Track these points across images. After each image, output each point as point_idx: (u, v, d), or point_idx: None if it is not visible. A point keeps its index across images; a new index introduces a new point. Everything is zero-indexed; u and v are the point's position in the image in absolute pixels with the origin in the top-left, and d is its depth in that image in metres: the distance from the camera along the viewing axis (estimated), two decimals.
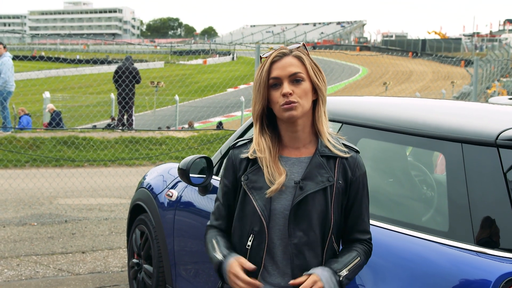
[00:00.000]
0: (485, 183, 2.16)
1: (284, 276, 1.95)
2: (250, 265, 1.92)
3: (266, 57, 1.97)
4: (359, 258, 1.97)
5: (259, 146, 1.97)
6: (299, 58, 1.95)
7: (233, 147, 2.07)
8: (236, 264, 1.91)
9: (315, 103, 1.98)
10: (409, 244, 2.27)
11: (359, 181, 1.99)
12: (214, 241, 2.02)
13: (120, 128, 12.84)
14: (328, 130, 2.00)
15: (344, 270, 1.92)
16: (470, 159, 2.22)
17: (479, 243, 2.09)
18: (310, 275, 1.88)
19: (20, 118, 14.53)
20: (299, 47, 1.98)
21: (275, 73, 1.92)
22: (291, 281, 1.90)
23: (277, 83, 1.92)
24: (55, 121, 13.82)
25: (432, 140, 2.39)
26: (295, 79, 1.92)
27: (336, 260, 1.95)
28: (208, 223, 2.11)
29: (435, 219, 2.38)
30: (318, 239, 1.94)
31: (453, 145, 2.29)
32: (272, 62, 1.94)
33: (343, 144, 2.00)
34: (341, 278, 1.90)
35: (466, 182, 2.19)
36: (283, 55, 1.94)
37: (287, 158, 1.98)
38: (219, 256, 1.97)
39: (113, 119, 16.99)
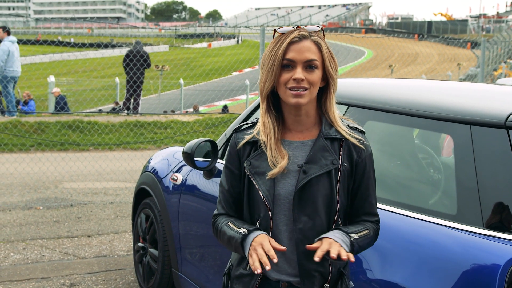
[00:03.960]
0: (494, 165, 2.13)
1: (291, 263, 1.90)
2: (278, 246, 1.79)
3: (281, 32, 1.88)
4: (367, 230, 1.91)
5: (264, 127, 1.91)
6: (317, 44, 1.87)
7: (235, 131, 2.00)
8: (265, 237, 1.82)
9: (321, 90, 1.93)
10: (416, 227, 2.24)
11: (365, 163, 1.93)
12: (230, 223, 1.93)
13: (125, 112, 12.82)
14: (338, 116, 1.95)
15: (354, 234, 1.86)
16: (479, 141, 2.18)
17: (488, 226, 2.06)
18: (322, 239, 1.80)
19: (27, 102, 14.49)
20: (318, 31, 1.90)
21: (290, 55, 1.85)
22: (308, 245, 1.80)
23: (290, 65, 1.85)
24: (60, 105, 13.79)
25: (440, 122, 2.35)
26: (309, 66, 1.85)
27: (346, 226, 1.90)
28: (215, 212, 2.03)
29: (443, 202, 2.35)
30: (324, 223, 1.88)
31: (462, 127, 2.25)
32: (290, 43, 1.86)
33: (348, 125, 1.95)
34: (352, 239, 1.84)
35: (475, 164, 2.16)
36: (302, 37, 1.86)
37: (291, 142, 1.93)
38: (242, 230, 1.87)
39: (116, 103, 16.88)
